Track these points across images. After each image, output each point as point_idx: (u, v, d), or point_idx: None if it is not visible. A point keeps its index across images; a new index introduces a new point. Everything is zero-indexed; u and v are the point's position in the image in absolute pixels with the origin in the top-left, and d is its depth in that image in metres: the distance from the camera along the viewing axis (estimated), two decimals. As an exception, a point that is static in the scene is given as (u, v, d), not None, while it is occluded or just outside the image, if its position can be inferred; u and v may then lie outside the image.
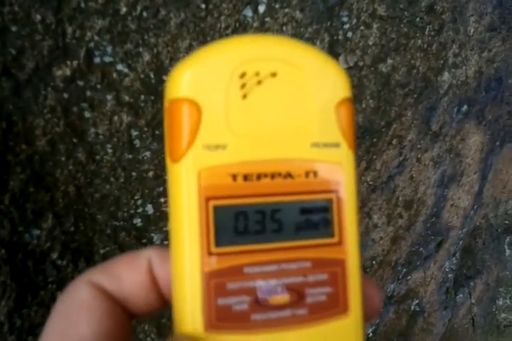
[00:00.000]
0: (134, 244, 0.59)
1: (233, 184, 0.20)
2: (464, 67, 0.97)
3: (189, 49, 0.54)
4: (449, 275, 1.32)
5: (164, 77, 0.54)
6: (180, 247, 0.20)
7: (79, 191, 0.52)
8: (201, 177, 0.20)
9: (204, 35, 0.55)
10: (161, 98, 0.54)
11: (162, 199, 0.59)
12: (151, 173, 0.57)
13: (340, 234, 0.21)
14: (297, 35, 0.64)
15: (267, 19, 0.60)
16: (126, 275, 0.21)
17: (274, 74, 0.21)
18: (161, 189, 0.58)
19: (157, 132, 0.55)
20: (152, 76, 0.53)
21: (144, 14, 0.50)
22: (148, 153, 0.55)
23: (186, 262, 0.20)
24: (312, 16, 0.64)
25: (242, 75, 0.20)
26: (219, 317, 0.19)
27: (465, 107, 1.01)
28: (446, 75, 0.90)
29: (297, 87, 0.21)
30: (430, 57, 0.85)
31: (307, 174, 0.21)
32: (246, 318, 0.20)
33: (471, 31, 0.99)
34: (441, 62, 0.88)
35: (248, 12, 0.59)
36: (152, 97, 0.53)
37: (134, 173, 0.55)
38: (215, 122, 0.20)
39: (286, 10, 0.62)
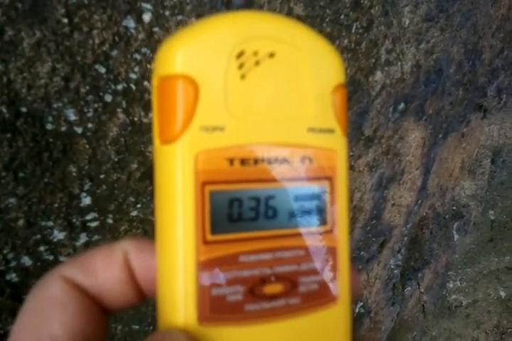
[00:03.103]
0: (11, 303, 0.50)
1: (230, 168, 0.19)
2: (399, 63, 0.90)
3: (52, 73, 0.45)
4: (395, 272, 1.29)
5: (23, 109, 0.44)
6: (172, 235, 0.18)
7: None
8: (198, 160, 0.18)
9: (72, 54, 0.46)
10: (20, 135, 0.45)
11: (42, 248, 0.50)
12: (21, 221, 0.48)
13: (332, 222, 0.21)
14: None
15: (156, 29, 0.51)
16: (101, 268, 0.19)
17: (272, 55, 0.20)
18: (39, 236, 0.50)
19: (21, 174, 0.46)
20: (5, 110, 0.43)
21: (-17, 36, 0.40)
22: (13, 200, 0.46)
23: (179, 251, 0.18)
24: (213, 23, 0.55)
25: (241, 54, 0.19)
26: (213, 309, 0.18)
27: (402, 105, 0.94)
28: (378, 75, 0.83)
29: (295, 69, 0.20)
30: (359, 57, 0.77)
31: (303, 160, 0.20)
32: (240, 309, 0.19)
33: (406, 23, 0.92)
34: (373, 60, 0.81)
35: (130, 23, 0.49)
36: (8, 135, 0.44)
37: (-3, 225, 0.46)
38: (213, 102, 0.19)
39: (180, 17, 0.53)
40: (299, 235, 0.20)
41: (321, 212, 0.21)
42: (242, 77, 0.19)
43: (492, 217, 2.07)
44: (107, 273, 0.20)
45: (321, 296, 0.21)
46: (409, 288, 1.42)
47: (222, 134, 0.19)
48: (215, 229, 0.19)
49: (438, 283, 1.71)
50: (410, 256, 1.41)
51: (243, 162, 0.19)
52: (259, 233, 0.20)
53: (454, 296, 2.00)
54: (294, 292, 0.20)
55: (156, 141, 0.19)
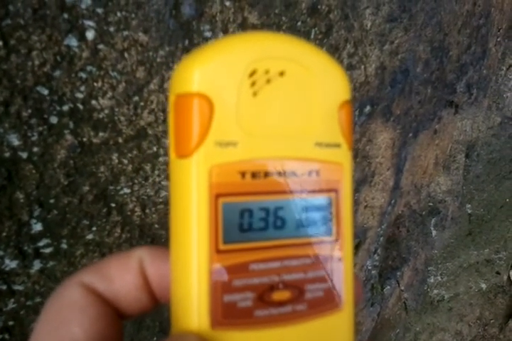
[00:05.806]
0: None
1: (242, 181, 0.20)
2: (362, 67, 0.89)
3: (-11, 99, 0.43)
4: (373, 272, 1.28)
5: (-40, 137, 0.42)
6: (187, 245, 0.19)
7: None
8: (212, 174, 0.19)
9: (10, 78, 0.44)
10: (-42, 164, 0.43)
11: (-8, 278, 0.48)
12: (-34, 253, 0.46)
13: (337, 232, 0.22)
14: (146, 60, 0.53)
15: (101, 46, 0.49)
16: (117, 275, 0.20)
17: (282, 73, 0.21)
18: (-12, 267, 0.48)
19: (-37, 205, 0.44)
20: None
21: None
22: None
23: (194, 260, 0.19)
24: (161, 37, 0.53)
25: (253, 73, 0.20)
26: (224, 314, 0.19)
27: (368, 108, 0.94)
28: (341, 79, 0.82)
29: (303, 86, 0.21)
30: (320, 62, 0.76)
31: (310, 173, 0.21)
32: (249, 315, 0.20)
33: (368, 25, 0.91)
34: (334, 65, 0.80)
35: (72, 41, 0.47)
36: None
37: None
38: (227, 119, 0.20)
39: (125, 33, 0.51)
40: (305, 244, 0.21)
41: (326, 222, 0.22)
42: (254, 94, 0.20)
43: (469, 211, 2.09)
44: (122, 279, 0.21)
45: (327, 303, 0.22)
46: (388, 287, 1.42)
47: (235, 149, 0.20)
48: (227, 238, 0.20)
49: (418, 279, 1.72)
50: (388, 256, 1.41)
51: (254, 175, 0.20)
52: (268, 242, 0.21)
53: (435, 291, 2.01)
54: (301, 299, 0.21)
55: (172, 155, 0.20)
